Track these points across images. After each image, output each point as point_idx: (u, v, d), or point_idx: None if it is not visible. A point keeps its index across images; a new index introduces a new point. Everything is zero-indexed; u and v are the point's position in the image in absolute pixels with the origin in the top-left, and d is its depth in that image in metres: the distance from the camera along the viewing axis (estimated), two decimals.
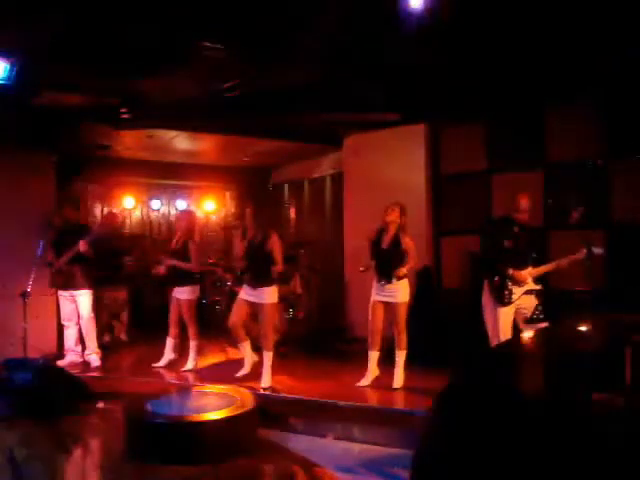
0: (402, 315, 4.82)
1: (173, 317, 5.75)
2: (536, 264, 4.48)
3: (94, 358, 5.87)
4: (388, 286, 4.77)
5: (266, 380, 4.95)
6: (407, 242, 4.82)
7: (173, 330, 5.78)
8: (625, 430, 1.49)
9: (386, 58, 4.90)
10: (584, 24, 4.24)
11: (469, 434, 1.56)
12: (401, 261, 4.77)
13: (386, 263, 4.79)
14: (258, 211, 5.36)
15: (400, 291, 4.79)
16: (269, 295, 5.02)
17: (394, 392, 4.72)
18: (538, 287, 4.44)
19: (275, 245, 5.00)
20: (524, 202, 4.52)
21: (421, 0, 3.90)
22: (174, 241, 5.78)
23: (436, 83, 5.48)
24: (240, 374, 5.18)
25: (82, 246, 5.59)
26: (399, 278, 4.70)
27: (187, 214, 6.16)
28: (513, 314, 4.45)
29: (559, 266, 4.37)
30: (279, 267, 4.98)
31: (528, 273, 4.44)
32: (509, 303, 4.37)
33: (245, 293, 5.09)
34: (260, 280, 4.99)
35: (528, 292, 4.41)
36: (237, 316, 5.12)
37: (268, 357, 5.04)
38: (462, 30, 4.36)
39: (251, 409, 4.29)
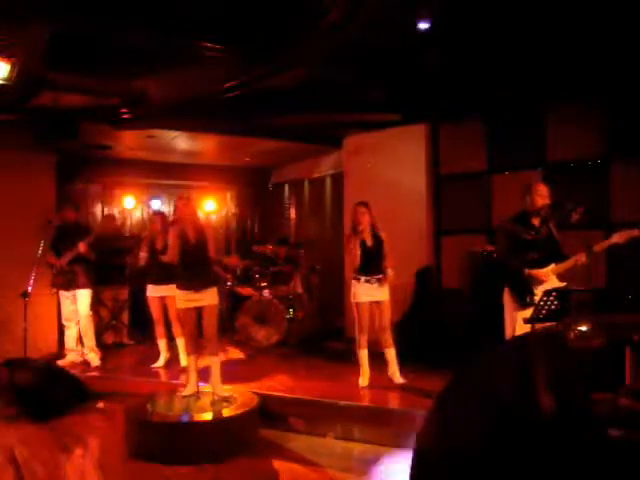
0: (389, 312, 4.88)
1: (158, 316, 5.74)
2: (559, 260, 4.18)
3: (93, 357, 5.87)
4: (376, 285, 4.81)
5: (219, 389, 4.57)
6: (385, 237, 4.91)
7: (162, 329, 5.79)
8: (625, 430, 1.49)
9: (386, 58, 4.90)
10: (584, 24, 4.24)
11: (469, 434, 1.56)
12: (382, 256, 4.86)
13: (373, 261, 4.83)
14: (188, 202, 4.75)
15: (386, 289, 4.87)
16: (214, 296, 4.61)
17: (394, 392, 4.72)
18: (562, 285, 4.12)
19: (210, 237, 4.65)
20: (542, 188, 4.28)
21: None
22: (156, 241, 5.67)
23: (436, 83, 5.49)
24: (185, 393, 4.64)
25: (82, 247, 5.61)
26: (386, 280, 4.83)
27: (162, 215, 6.12)
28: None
29: (579, 262, 4.05)
30: (214, 254, 4.66)
31: (550, 270, 4.19)
32: (530, 305, 4.07)
33: (186, 300, 4.55)
34: (204, 281, 4.56)
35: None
36: (193, 328, 4.65)
37: (217, 363, 4.61)
38: (462, 30, 4.36)
39: (251, 409, 4.30)
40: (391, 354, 4.86)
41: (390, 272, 4.83)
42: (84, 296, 5.81)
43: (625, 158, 5.29)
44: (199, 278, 4.56)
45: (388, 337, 4.85)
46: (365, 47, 4.59)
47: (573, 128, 5.56)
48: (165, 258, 4.77)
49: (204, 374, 4.75)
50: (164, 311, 5.73)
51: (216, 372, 4.60)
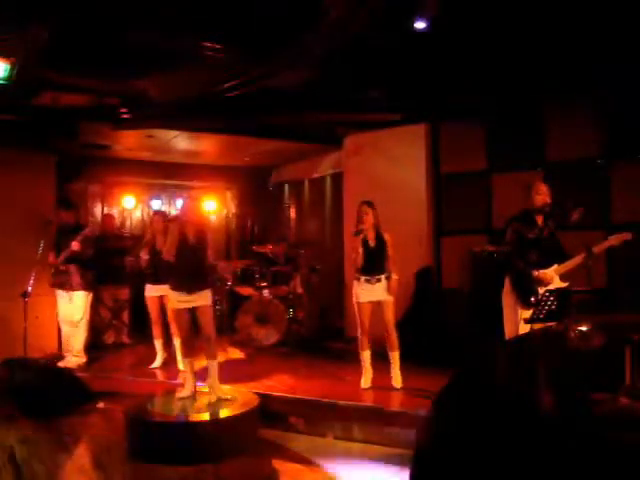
0: (393, 313, 4.82)
1: (156, 316, 5.70)
2: (562, 260, 4.19)
3: (74, 360, 5.77)
4: (377, 285, 4.78)
5: (217, 391, 4.51)
6: (388, 238, 4.86)
7: (159, 330, 5.75)
8: (625, 430, 1.49)
9: (386, 58, 4.90)
10: (584, 23, 4.25)
11: (469, 434, 1.56)
12: (385, 257, 4.83)
13: (375, 261, 4.81)
14: (195, 203, 4.73)
15: (387, 289, 4.81)
16: (208, 297, 4.55)
17: (394, 392, 4.71)
18: (564, 285, 4.12)
19: (210, 240, 4.61)
20: (543, 187, 4.32)
21: None
22: (156, 241, 5.59)
23: (436, 83, 5.49)
24: (182, 395, 4.60)
25: (74, 246, 5.61)
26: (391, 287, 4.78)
27: (162, 215, 6.08)
28: None
29: (583, 262, 4.04)
30: (212, 261, 4.62)
31: (554, 271, 4.19)
32: (533, 305, 4.02)
33: (178, 301, 4.51)
34: (197, 283, 4.49)
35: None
36: (187, 329, 4.60)
37: (215, 366, 4.54)
38: (462, 30, 4.37)
39: (251, 409, 4.29)
40: (394, 357, 4.82)
41: (394, 277, 4.77)
42: (79, 298, 5.78)
43: (625, 158, 5.29)
44: (192, 279, 4.47)
45: (393, 339, 4.81)
46: (365, 47, 4.59)
47: (573, 128, 5.57)
48: (164, 255, 4.72)
49: (202, 375, 4.74)
50: (162, 311, 5.70)
51: (214, 375, 4.54)
